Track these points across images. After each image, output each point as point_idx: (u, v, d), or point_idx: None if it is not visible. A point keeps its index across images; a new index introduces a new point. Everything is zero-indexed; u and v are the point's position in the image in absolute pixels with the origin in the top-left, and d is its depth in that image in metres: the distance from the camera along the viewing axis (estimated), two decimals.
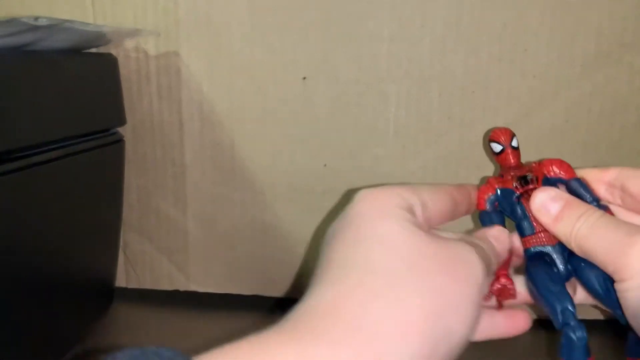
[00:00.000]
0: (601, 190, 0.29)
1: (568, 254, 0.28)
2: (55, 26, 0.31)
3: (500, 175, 0.31)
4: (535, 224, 0.29)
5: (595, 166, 0.42)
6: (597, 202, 0.29)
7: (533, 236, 0.29)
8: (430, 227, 0.26)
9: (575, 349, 0.25)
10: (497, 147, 0.31)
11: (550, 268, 0.28)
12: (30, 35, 0.31)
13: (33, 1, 0.44)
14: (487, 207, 0.30)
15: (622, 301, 0.24)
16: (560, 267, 0.28)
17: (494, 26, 0.40)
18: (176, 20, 0.43)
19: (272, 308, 0.48)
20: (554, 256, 0.28)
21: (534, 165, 0.31)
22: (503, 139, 0.31)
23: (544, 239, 0.29)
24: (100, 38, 0.39)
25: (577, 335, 0.25)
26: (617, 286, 0.24)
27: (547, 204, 0.27)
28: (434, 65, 0.42)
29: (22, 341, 0.34)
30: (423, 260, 0.22)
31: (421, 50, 0.41)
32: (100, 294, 0.45)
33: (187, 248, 0.48)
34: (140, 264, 0.50)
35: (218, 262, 0.49)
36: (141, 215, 0.48)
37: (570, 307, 0.26)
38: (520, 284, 0.29)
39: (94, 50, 0.43)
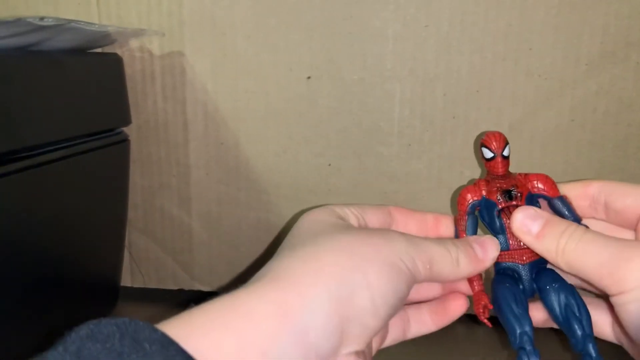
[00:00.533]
0: (585, 205, 0.30)
1: (535, 275, 0.29)
2: (60, 26, 0.31)
3: (486, 181, 0.31)
4: (510, 241, 0.29)
5: (600, 166, 0.42)
6: (578, 222, 0.29)
7: (506, 252, 0.29)
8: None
9: None
10: (487, 154, 0.30)
11: (517, 287, 0.28)
12: (35, 35, 0.32)
13: (38, 1, 0.44)
14: (468, 209, 0.31)
15: (621, 315, 0.25)
16: (526, 286, 0.29)
17: (499, 25, 0.40)
18: (181, 20, 0.43)
19: None
20: (522, 275, 0.29)
21: (519, 177, 0.31)
22: (495, 145, 0.30)
23: (516, 257, 0.29)
24: (105, 38, 0.39)
25: None
26: (613, 300, 0.25)
27: (527, 223, 0.28)
28: (439, 65, 0.42)
29: (27, 340, 0.34)
30: (341, 234, 0.25)
31: (426, 50, 0.41)
32: (106, 293, 0.46)
33: (191, 247, 0.49)
34: (145, 263, 0.50)
35: (222, 261, 0.49)
36: (146, 215, 0.48)
37: (528, 332, 0.27)
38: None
39: (99, 50, 0.43)
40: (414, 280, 0.25)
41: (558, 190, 0.30)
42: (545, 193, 0.30)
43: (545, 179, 0.31)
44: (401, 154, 0.44)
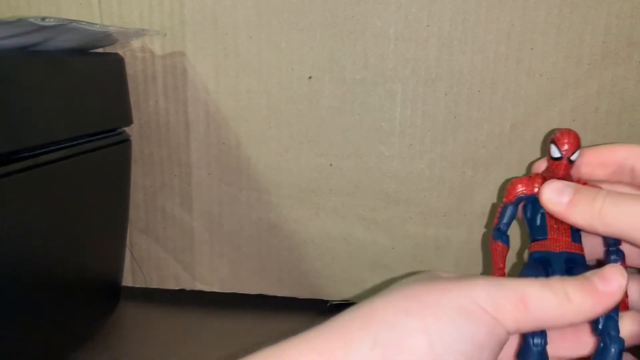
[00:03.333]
0: (610, 171, 0.28)
1: (567, 266, 0.27)
2: (62, 26, 0.31)
3: (543, 177, 0.29)
4: (549, 232, 0.28)
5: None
6: (618, 248, 0.28)
7: (544, 241, 0.28)
8: None
9: (530, 354, 0.24)
10: (555, 153, 0.29)
11: (545, 272, 0.27)
12: (37, 35, 0.32)
13: (40, 1, 0.44)
14: (514, 200, 0.30)
15: None
16: (558, 274, 0.26)
17: (501, 25, 0.40)
18: (182, 20, 0.43)
19: (277, 308, 0.48)
20: (553, 263, 0.27)
21: (578, 183, 0.29)
22: (565, 148, 0.28)
23: (550, 245, 0.28)
24: (106, 38, 0.39)
25: (534, 341, 0.24)
26: None
27: (557, 194, 0.26)
28: (440, 64, 0.42)
29: (30, 340, 0.34)
30: (412, 284, 0.23)
31: (427, 49, 0.41)
32: (107, 294, 0.46)
33: (193, 248, 0.49)
34: (146, 263, 0.50)
35: (224, 261, 0.49)
36: (147, 215, 0.48)
37: None
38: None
39: (100, 50, 0.43)
40: (499, 325, 0.22)
41: None
42: None
43: None
44: (403, 153, 0.44)
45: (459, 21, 0.41)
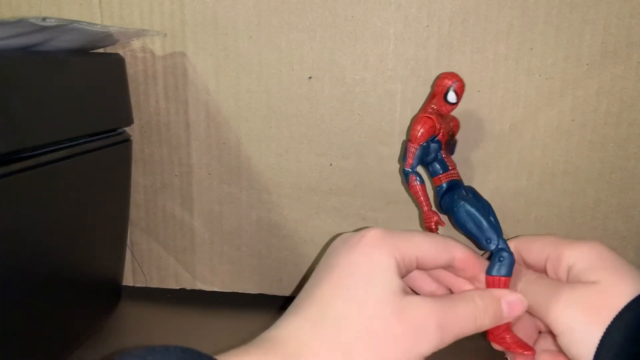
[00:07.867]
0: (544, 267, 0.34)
1: (465, 190, 0.36)
2: (62, 26, 0.31)
3: (438, 117, 0.36)
4: (448, 164, 0.37)
5: (601, 165, 0.42)
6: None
7: (447, 173, 0.37)
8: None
9: (507, 265, 0.33)
10: (452, 99, 0.36)
11: (462, 194, 0.35)
12: (38, 35, 0.32)
13: (41, 2, 0.44)
14: (424, 142, 0.37)
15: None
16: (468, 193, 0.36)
17: (500, 25, 0.40)
18: (183, 20, 0.43)
19: (277, 308, 0.48)
20: (460, 187, 0.36)
21: (451, 121, 0.39)
22: (460, 97, 0.36)
23: (455, 175, 0.37)
24: (107, 38, 0.40)
25: (510, 256, 0.32)
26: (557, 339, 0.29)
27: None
28: (440, 65, 0.42)
29: (30, 340, 0.34)
30: (381, 327, 0.26)
31: (427, 50, 0.41)
32: (108, 293, 0.46)
33: (193, 247, 0.49)
34: (147, 263, 0.50)
35: (224, 261, 0.49)
36: (148, 215, 0.49)
37: (502, 237, 0.33)
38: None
39: (101, 50, 0.43)
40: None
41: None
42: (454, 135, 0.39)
43: (458, 125, 0.40)
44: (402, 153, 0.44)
45: (459, 21, 0.41)
